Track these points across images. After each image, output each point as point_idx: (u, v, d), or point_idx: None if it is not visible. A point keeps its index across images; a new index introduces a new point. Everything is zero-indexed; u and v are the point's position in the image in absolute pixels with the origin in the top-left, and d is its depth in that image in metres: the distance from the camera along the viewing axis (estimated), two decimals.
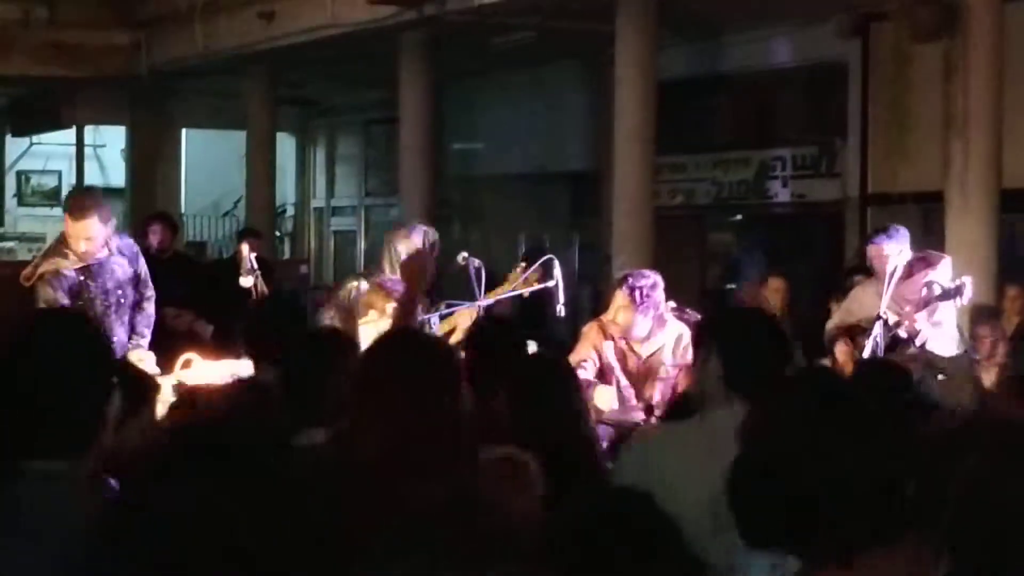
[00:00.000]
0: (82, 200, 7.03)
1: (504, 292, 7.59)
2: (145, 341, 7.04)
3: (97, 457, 3.03)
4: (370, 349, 3.71)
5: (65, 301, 6.70)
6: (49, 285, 6.69)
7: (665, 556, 2.32)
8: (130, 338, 7.01)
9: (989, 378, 8.13)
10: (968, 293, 7.70)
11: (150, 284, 7.14)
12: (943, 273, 7.93)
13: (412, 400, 3.32)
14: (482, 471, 3.34)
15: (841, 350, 8.11)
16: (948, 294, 7.69)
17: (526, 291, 7.61)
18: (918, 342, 7.72)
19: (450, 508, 3.06)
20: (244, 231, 11.85)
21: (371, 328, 6.71)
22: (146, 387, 4.21)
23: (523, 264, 7.61)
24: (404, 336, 3.93)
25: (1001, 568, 2.11)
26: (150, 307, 7.14)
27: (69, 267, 6.78)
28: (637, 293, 7.30)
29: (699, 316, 7.62)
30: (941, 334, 7.82)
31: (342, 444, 3.44)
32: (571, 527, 2.37)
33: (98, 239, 6.90)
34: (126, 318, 6.97)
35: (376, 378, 3.41)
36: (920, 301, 7.74)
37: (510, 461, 3.47)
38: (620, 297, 7.39)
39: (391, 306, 7.20)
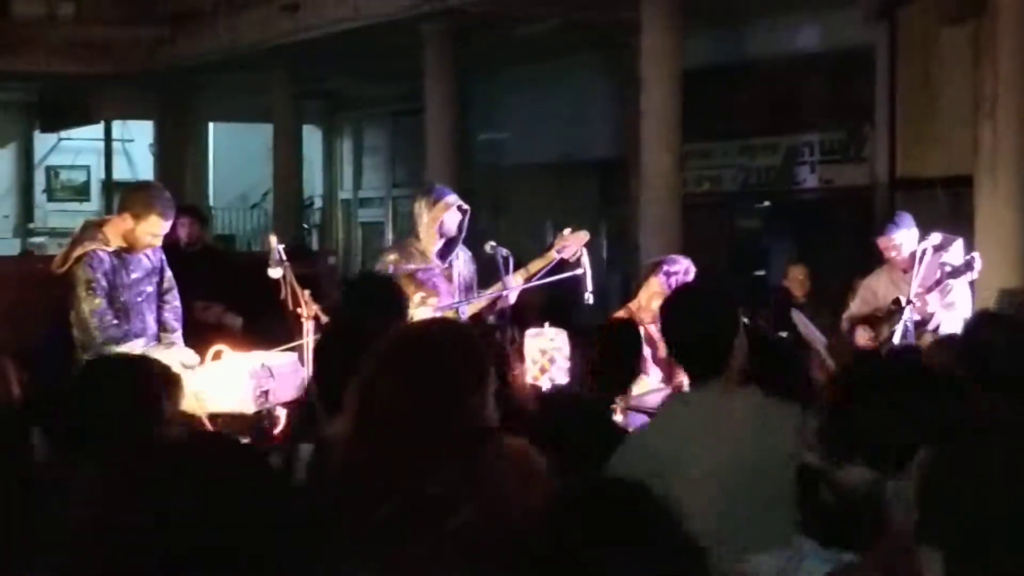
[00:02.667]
0: (170, 200, 7.07)
1: (538, 270, 7.64)
2: (179, 336, 7.06)
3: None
4: (392, 340, 3.70)
5: (103, 283, 6.73)
6: (88, 267, 6.72)
7: (660, 544, 2.30)
8: (160, 334, 7.02)
9: None
10: (977, 266, 7.69)
11: (171, 275, 7.16)
12: (955, 254, 7.93)
13: (426, 394, 3.32)
14: (494, 462, 3.33)
15: (862, 336, 8.10)
16: (957, 271, 7.69)
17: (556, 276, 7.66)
18: (931, 326, 7.70)
19: (459, 498, 3.07)
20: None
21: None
22: (164, 381, 4.22)
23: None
24: (426, 328, 3.91)
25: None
26: (175, 299, 7.16)
27: (105, 250, 6.81)
28: (674, 279, 7.35)
29: None
30: (955, 315, 7.80)
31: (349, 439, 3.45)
32: (560, 519, 2.36)
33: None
34: (154, 306, 7.00)
35: (392, 369, 3.40)
36: (931, 284, 7.74)
37: (523, 453, 3.47)
38: (655, 283, 7.42)
39: (420, 295, 7.23)
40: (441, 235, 7.72)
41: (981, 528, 2.21)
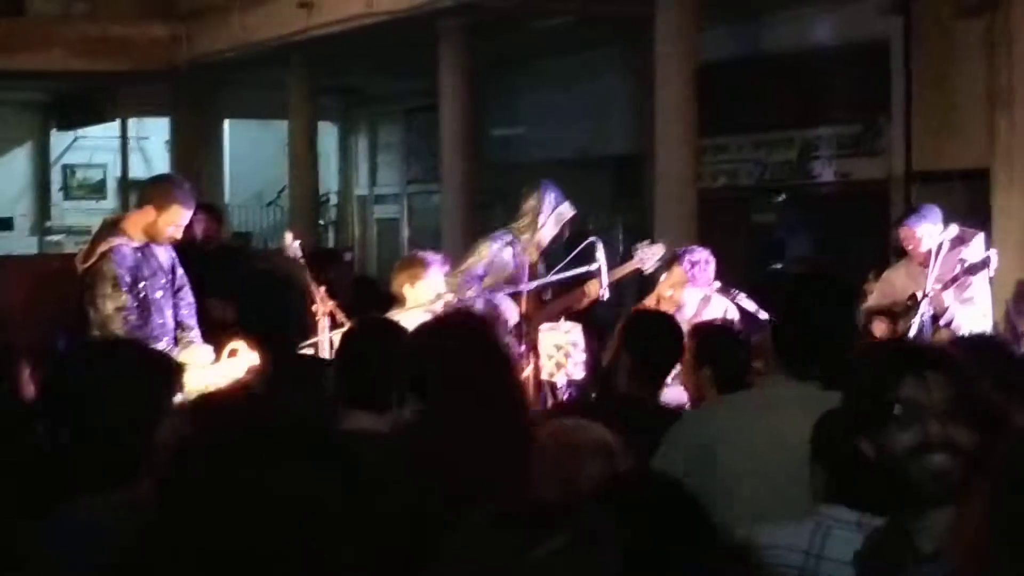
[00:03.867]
0: (190, 190, 7.09)
1: (619, 279, 7.77)
2: (196, 334, 7.04)
3: (153, 481, 3.07)
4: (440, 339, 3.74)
5: (127, 279, 6.72)
6: (113, 262, 6.71)
7: (702, 543, 2.31)
8: (178, 333, 7.00)
9: None
10: (995, 263, 7.65)
11: (183, 273, 7.16)
12: (976, 248, 7.88)
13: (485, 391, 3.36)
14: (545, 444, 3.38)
15: (880, 329, 8.07)
16: (974, 267, 7.64)
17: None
18: (943, 321, 7.66)
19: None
20: None
21: (417, 313, 6.73)
22: (164, 369, 4.22)
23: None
24: (465, 323, 3.93)
25: None
26: (188, 295, 7.14)
27: (129, 245, 6.81)
28: (696, 268, 7.38)
29: (743, 295, 7.64)
30: (972, 311, 7.76)
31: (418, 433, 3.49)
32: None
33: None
34: (171, 303, 6.99)
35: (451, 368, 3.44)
36: (948, 279, 7.70)
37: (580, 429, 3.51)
38: (678, 272, 7.45)
39: (437, 293, 7.24)
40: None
41: None
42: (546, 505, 1.95)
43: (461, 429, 3.39)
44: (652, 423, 4.21)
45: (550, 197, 8.06)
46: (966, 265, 7.67)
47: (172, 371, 3.63)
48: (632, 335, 5.09)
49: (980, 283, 7.90)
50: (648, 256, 7.85)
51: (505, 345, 3.59)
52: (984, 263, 7.64)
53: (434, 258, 7.53)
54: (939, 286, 7.68)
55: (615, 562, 1.86)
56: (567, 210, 8.09)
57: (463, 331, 3.73)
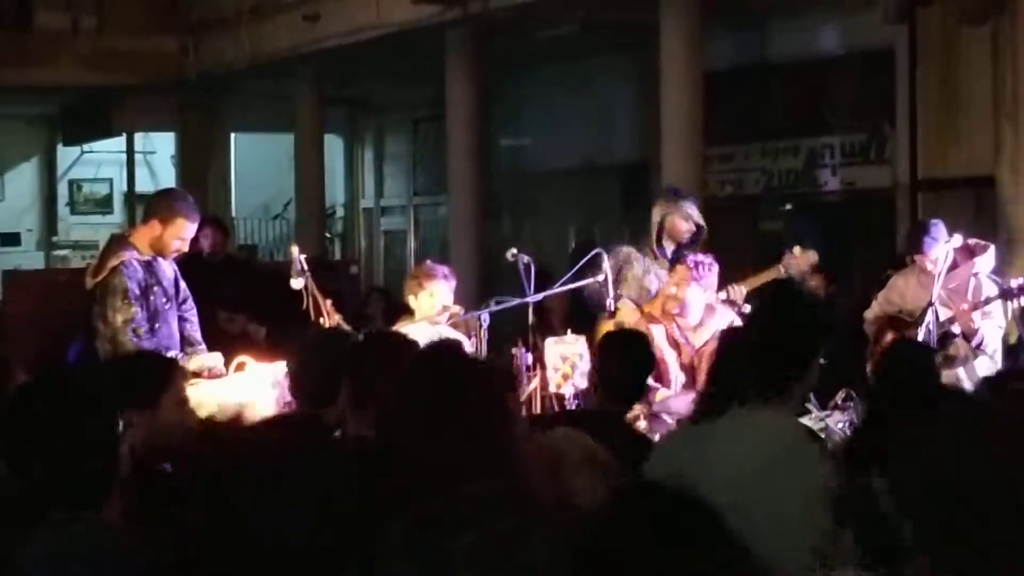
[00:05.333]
0: (194, 203, 7.14)
1: (761, 284, 7.78)
2: (203, 349, 7.07)
3: (123, 492, 3.09)
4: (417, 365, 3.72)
5: (137, 292, 6.76)
6: (124, 275, 6.74)
7: (706, 546, 2.31)
8: (184, 348, 7.01)
9: None
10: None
11: (185, 286, 7.18)
12: (987, 262, 7.86)
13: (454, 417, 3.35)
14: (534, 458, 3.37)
15: (890, 341, 8.05)
16: (1007, 294, 7.60)
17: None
18: (975, 342, 7.64)
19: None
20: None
21: (419, 327, 6.74)
22: (164, 368, 4.28)
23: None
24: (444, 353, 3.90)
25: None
26: (191, 309, 7.16)
27: (138, 259, 6.84)
28: (700, 268, 7.36)
29: (748, 306, 7.64)
30: (991, 325, 7.76)
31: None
32: (602, 524, 2.37)
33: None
34: (176, 315, 7.02)
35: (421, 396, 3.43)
36: (979, 302, 7.66)
37: (553, 446, 3.50)
38: (681, 271, 7.44)
39: (443, 305, 7.24)
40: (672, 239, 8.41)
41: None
42: (465, 505, 1.99)
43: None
44: (617, 442, 4.18)
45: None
46: (995, 292, 7.62)
47: (137, 379, 3.67)
48: (601, 354, 5.15)
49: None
50: (793, 264, 7.89)
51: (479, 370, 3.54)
52: (1021, 290, 7.54)
53: (441, 270, 7.54)
54: (967, 306, 7.63)
55: (545, 558, 1.90)
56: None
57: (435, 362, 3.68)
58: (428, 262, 7.90)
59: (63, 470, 3.08)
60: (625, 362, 5.23)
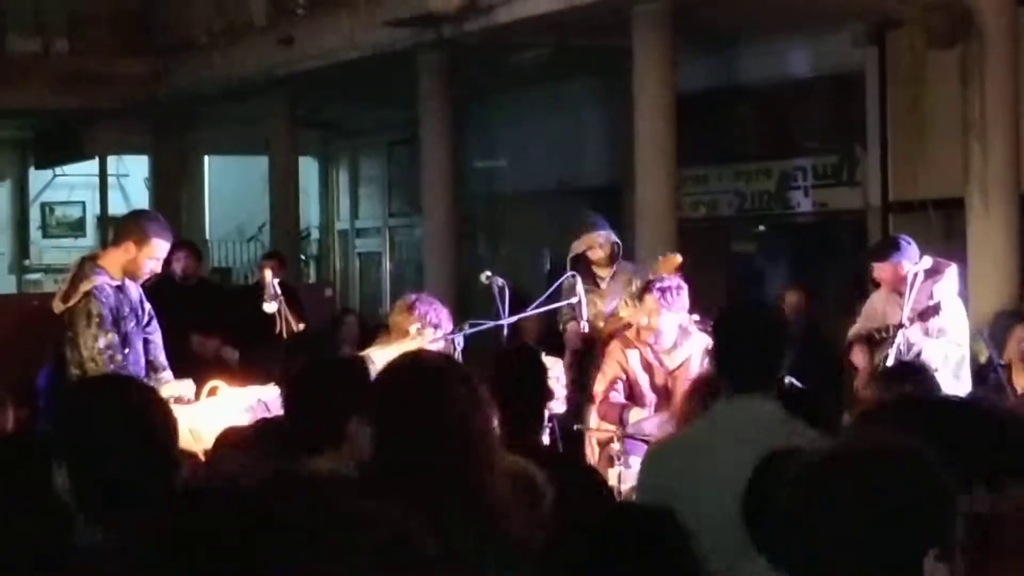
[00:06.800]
0: (165, 222, 7.10)
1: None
2: (169, 375, 6.97)
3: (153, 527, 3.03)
4: (384, 377, 3.72)
5: (110, 317, 6.68)
6: (97, 300, 6.66)
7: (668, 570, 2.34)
8: (149, 373, 6.92)
9: (1021, 381, 8.06)
10: (943, 311, 7.71)
11: (150, 308, 7.09)
12: (949, 281, 7.90)
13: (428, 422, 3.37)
14: (497, 482, 3.39)
15: (858, 358, 8.11)
16: (927, 313, 7.68)
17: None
18: (911, 355, 7.67)
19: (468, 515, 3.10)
20: (265, 256, 11.91)
21: (391, 351, 6.73)
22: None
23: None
24: (414, 363, 3.89)
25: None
26: (156, 332, 7.07)
27: (109, 283, 6.76)
28: (668, 294, 7.36)
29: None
30: (943, 343, 7.76)
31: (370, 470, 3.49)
32: (580, 545, 2.40)
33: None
34: (141, 338, 6.93)
35: (393, 406, 3.44)
36: (910, 317, 7.73)
37: (522, 474, 3.52)
38: (650, 301, 7.43)
39: (416, 327, 7.22)
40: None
41: None
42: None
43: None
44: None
45: None
46: (923, 308, 7.69)
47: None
48: (495, 378, 4.73)
49: (955, 312, 7.92)
50: (656, 268, 8.07)
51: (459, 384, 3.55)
52: (936, 308, 7.67)
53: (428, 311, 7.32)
54: (912, 317, 7.71)
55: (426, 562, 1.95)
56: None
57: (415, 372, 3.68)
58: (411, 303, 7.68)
59: (96, 472, 3.02)
60: (516, 383, 4.97)
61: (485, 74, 15.20)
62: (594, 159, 16.22)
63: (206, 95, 17.32)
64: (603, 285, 8.89)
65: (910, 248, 8.06)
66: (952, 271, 7.95)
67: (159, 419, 3.14)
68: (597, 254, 8.86)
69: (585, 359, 8.49)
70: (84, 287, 6.70)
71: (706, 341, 7.46)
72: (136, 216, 7.47)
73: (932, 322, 7.73)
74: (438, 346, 6.90)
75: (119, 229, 7.14)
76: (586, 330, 8.35)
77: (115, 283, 6.78)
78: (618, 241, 8.86)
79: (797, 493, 2.10)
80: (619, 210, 14.68)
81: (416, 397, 3.44)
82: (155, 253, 6.84)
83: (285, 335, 7.16)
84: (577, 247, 8.84)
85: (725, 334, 4.25)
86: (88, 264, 6.91)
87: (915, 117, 10.76)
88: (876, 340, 8.02)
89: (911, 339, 7.67)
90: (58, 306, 6.75)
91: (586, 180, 16.41)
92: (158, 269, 7.00)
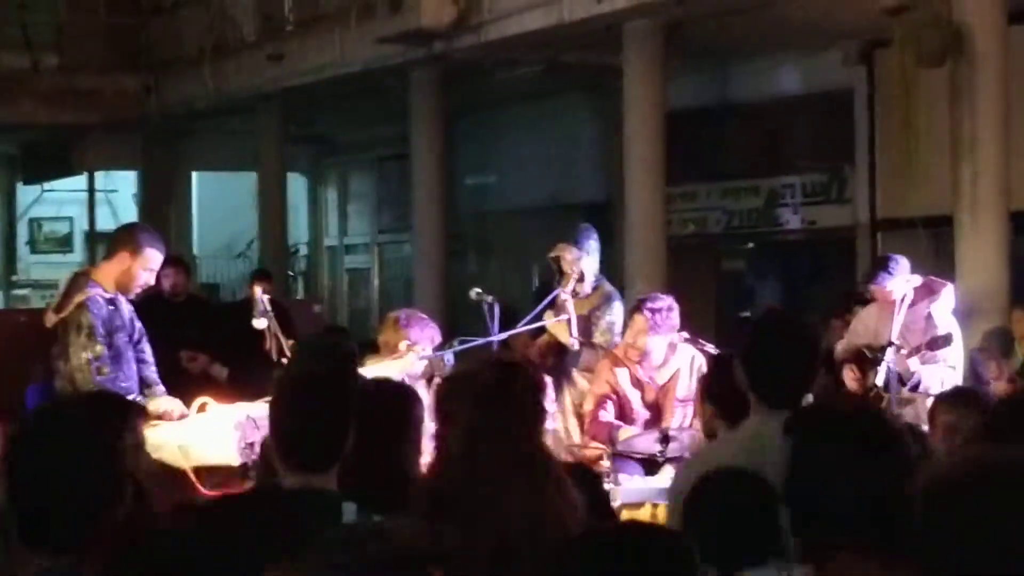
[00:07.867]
0: (158, 234, 7.09)
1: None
2: (161, 390, 6.95)
3: (105, 555, 3.01)
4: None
5: (101, 329, 6.64)
6: (90, 312, 6.63)
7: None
8: (142, 389, 6.90)
9: None
10: (954, 343, 7.69)
11: (141, 326, 7.07)
12: (946, 301, 7.88)
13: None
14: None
15: (848, 376, 8.09)
16: (936, 343, 7.65)
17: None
18: (909, 385, 7.64)
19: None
20: (255, 273, 11.88)
21: (383, 367, 6.72)
22: (124, 412, 4.13)
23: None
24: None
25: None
26: (147, 349, 7.04)
27: (103, 295, 6.73)
28: (657, 316, 7.34)
29: (713, 345, 7.64)
30: (939, 368, 7.74)
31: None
32: (586, 559, 2.41)
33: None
34: (133, 354, 6.90)
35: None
36: (913, 349, 7.68)
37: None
38: (640, 321, 7.41)
39: (405, 343, 7.21)
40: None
41: None
42: None
43: None
44: None
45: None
46: (931, 338, 7.66)
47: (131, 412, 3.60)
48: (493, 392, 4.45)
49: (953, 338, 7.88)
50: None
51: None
52: (948, 339, 7.63)
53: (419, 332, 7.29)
54: (904, 350, 7.64)
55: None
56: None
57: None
58: (397, 317, 7.66)
59: (51, 497, 3.02)
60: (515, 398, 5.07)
61: (476, 90, 15.22)
62: (584, 176, 16.24)
63: (195, 111, 17.31)
64: (563, 295, 8.70)
65: (899, 267, 8.02)
66: (948, 291, 7.92)
67: (105, 450, 3.15)
68: (566, 264, 8.80)
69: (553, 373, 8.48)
70: (78, 298, 6.66)
71: (692, 354, 7.46)
72: (129, 228, 7.46)
73: (940, 352, 7.69)
74: (425, 364, 6.90)
75: (113, 242, 7.12)
76: (575, 346, 8.34)
77: (107, 296, 6.76)
78: (584, 271, 8.72)
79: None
80: (609, 227, 14.70)
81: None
82: (149, 263, 6.81)
83: (275, 352, 7.13)
84: (554, 249, 8.83)
85: (763, 349, 4.02)
86: (82, 278, 6.88)
87: (904, 135, 10.76)
88: (867, 359, 8.00)
89: (910, 368, 7.63)
90: (51, 318, 6.71)
91: (576, 197, 16.43)
92: (151, 281, 6.97)
